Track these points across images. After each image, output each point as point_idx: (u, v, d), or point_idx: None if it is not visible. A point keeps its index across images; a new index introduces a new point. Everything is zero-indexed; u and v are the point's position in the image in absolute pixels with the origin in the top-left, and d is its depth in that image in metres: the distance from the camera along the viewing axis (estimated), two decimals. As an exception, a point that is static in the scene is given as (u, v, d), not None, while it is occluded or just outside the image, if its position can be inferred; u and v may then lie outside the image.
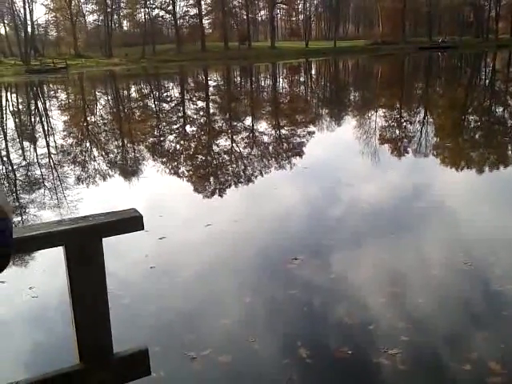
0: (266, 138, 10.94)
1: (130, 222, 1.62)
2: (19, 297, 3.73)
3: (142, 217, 1.63)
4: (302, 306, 3.40)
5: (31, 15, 53.97)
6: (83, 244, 1.57)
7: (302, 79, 30.72)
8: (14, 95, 27.48)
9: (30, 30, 53.63)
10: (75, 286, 1.59)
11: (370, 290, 3.58)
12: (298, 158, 8.81)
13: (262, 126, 12.66)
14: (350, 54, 49.09)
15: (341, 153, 9.29)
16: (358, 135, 10.97)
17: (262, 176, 7.64)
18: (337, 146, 10.20)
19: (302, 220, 5.34)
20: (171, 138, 11.98)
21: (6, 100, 25.03)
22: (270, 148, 10.01)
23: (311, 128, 11.89)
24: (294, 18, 75.28)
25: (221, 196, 6.75)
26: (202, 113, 16.53)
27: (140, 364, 1.70)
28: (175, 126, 13.79)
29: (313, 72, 37.18)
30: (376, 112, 13.97)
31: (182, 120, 14.95)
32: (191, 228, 5.08)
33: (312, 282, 3.76)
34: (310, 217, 5.44)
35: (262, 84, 28.49)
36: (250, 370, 2.77)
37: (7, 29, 55.51)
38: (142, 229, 1.65)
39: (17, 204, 6.73)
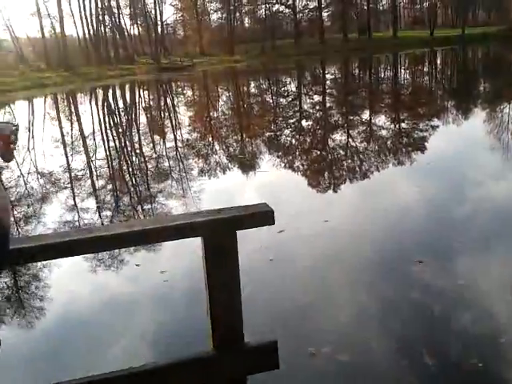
0: (384, 132, 10.58)
1: (263, 216, 1.67)
2: (151, 280, 4.08)
3: (273, 211, 1.67)
4: (425, 310, 3.23)
5: (161, 16, 57.97)
6: (220, 236, 1.65)
7: (425, 69, 29.07)
8: (145, 92, 29.84)
9: (159, 29, 57.67)
10: (211, 276, 1.68)
11: (504, 300, 3.30)
12: (419, 152, 8.40)
13: (381, 119, 12.26)
14: (480, 41, 45.25)
15: (469, 148, 8.64)
16: (488, 129, 10.13)
17: (380, 171, 7.41)
18: (464, 140, 9.51)
19: (424, 219, 5.08)
20: (287, 132, 12.13)
21: (139, 97, 27.27)
22: (389, 142, 9.67)
23: (435, 122, 11.22)
24: (417, 6, 71.43)
25: (336, 191, 6.69)
26: (318, 107, 16.48)
27: (269, 356, 1.76)
28: (292, 121, 13.93)
29: (438, 61, 34.98)
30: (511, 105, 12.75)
31: (298, 114, 15.05)
32: (309, 223, 5.11)
33: (437, 286, 3.54)
34: (434, 216, 5.14)
35: (382, 75, 27.51)
36: (368, 371, 2.71)
37: (140, 29, 60.22)
38: (273, 223, 1.67)
39: (148, 193, 7.35)
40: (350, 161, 8.45)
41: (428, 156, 8.04)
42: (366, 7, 63.00)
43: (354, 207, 5.68)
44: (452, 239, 4.41)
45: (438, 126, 10.67)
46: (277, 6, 65.30)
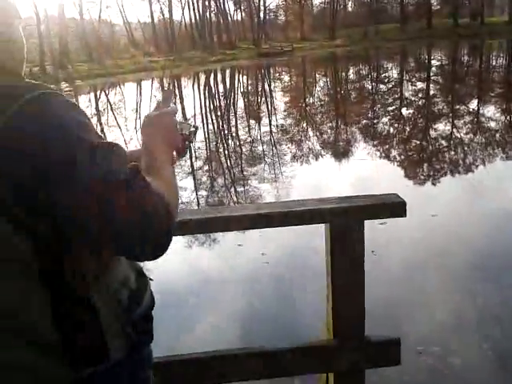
0: (493, 124, 9.87)
1: (394, 207, 1.57)
2: (254, 261, 4.18)
3: (405, 203, 1.56)
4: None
5: (264, 1, 58.35)
6: (348, 224, 1.58)
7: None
8: (245, 77, 30.43)
9: (262, 15, 58.15)
10: (336, 265, 1.62)
11: None
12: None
13: (489, 110, 11.43)
14: None
15: None
16: None
17: (486, 166, 6.97)
18: None
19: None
20: (385, 120, 11.76)
21: (238, 81, 27.90)
22: (497, 136, 9.01)
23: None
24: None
25: (436, 185, 6.41)
26: (420, 95, 15.73)
27: (392, 352, 1.69)
28: (390, 109, 13.46)
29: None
30: None
31: (398, 102, 14.50)
32: (414, 217, 4.88)
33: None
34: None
35: (493, 63, 25.46)
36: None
37: (243, 15, 61.18)
38: (405, 215, 1.56)
39: (242, 175, 7.60)
40: (453, 153, 8.03)
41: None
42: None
43: (460, 203, 5.35)
44: None
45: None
46: (383, -11, 62.74)
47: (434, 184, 6.42)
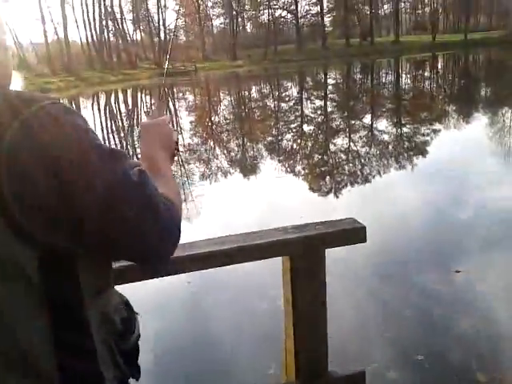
0: (386, 137, 10.61)
1: (355, 233, 1.52)
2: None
3: (365, 228, 1.51)
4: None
5: (164, 21, 58.24)
6: (309, 255, 1.50)
7: (426, 74, 29.13)
8: (148, 96, 29.97)
9: (162, 35, 57.97)
10: (297, 300, 1.54)
11: None
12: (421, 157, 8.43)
13: (382, 124, 12.30)
14: (482, 46, 45.31)
15: (473, 152, 8.66)
16: (489, 134, 10.14)
17: (380, 177, 7.44)
18: (470, 142, 9.52)
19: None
20: (288, 136, 12.17)
21: (141, 101, 27.38)
22: (390, 147, 9.70)
23: (436, 126, 11.26)
24: (419, 11, 71.63)
25: (338, 196, 6.71)
26: (319, 111, 16.53)
27: None
28: (292, 126, 13.97)
29: (439, 66, 35.04)
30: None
31: (299, 119, 15.10)
32: None
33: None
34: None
35: (383, 81, 27.58)
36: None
37: (142, 34, 60.53)
38: (365, 241, 1.52)
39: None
40: (351, 165, 8.48)
41: (431, 161, 8.04)
42: (368, 12, 63.20)
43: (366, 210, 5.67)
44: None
45: (439, 130, 10.69)
46: (279, 11, 65.62)
47: (336, 196, 6.73)
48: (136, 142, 13.23)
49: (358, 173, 7.87)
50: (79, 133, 0.75)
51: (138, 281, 1.36)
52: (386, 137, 10.70)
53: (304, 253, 1.49)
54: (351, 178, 7.57)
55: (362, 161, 8.64)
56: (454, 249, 4.43)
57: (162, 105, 1.20)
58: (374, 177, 7.42)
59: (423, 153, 8.74)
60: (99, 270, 0.86)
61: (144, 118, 1.15)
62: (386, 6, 70.01)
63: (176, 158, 1.22)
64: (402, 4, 67.42)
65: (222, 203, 6.55)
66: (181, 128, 14.86)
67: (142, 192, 0.78)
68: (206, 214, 6.09)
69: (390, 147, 9.70)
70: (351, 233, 1.52)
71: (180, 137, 12.92)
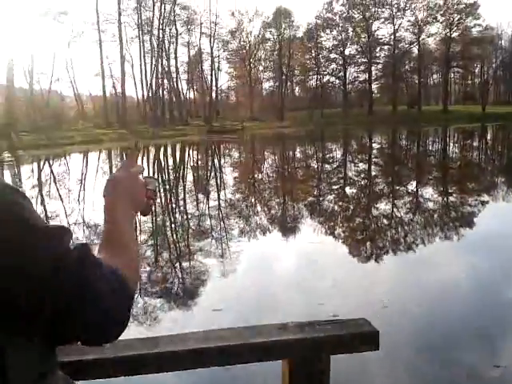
0: (431, 205, 10.34)
1: (364, 338, 1.34)
2: None
3: (377, 333, 1.33)
4: None
5: (216, 82, 60.93)
6: (310, 360, 1.33)
7: (474, 144, 28.71)
8: (195, 152, 30.88)
9: (214, 94, 60.47)
10: None
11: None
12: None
13: (427, 191, 12.04)
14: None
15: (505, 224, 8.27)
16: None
17: (424, 245, 7.17)
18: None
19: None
20: (329, 197, 12.08)
21: (188, 156, 28.22)
22: (436, 215, 9.41)
23: (484, 197, 10.91)
24: (469, 81, 71.81)
25: (381, 265, 6.48)
26: (362, 175, 16.44)
27: None
28: (335, 187, 13.91)
29: (488, 137, 34.54)
30: None
31: (341, 181, 15.04)
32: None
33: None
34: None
35: (430, 148, 27.34)
36: None
37: (195, 93, 63.35)
38: (377, 348, 1.32)
39: (187, 251, 7.39)
40: (393, 231, 8.25)
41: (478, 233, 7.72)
42: (416, 81, 63.97)
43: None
44: None
45: (487, 202, 10.33)
46: (327, 77, 67.46)
47: (375, 264, 6.49)
48: (180, 194, 13.50)
49: (400, 241, 7.63)
50: (15, 210, 0.71)
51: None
52: (430, 204, 10.43)
53: (305, 357, 1.31)
54: (392, 247, 7.33)
55: (406, 228, 8.40)
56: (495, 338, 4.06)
57: (134, 154, 1.10)
58: (417, 246, 7.16)
59: (470, 224, 8.42)
60: (40, 354, 0.77)
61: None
62: (435, 76, 70.71)
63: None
64: (452, 74, 67.93)
65: (247, 265, 6.47)
66: (224, 183, 15.09)
67: (79, 273, 0.72)
68: (227, 275, 6.02)
69: (436, 216, 9.42)
70: (361, 339, 1.32)
71: (202, 191, 13.09)
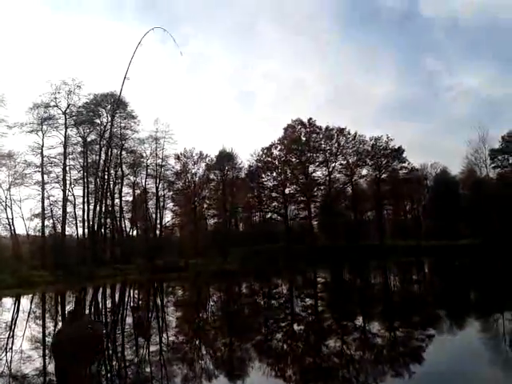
0: (378, 340, 10.19)
1: None
2: None
3: None
4: None
5: (161, 220, 61.22)
6: None
7: (414, 277, 29.68)
8: (136, 291, 29.68)
9: (158, 232, 60.34)
10: None
11: None
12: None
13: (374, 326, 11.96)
14: (458, 253, 47.27)
15: (461, 359, 8.23)
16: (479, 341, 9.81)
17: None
18: (458, 351, 9.12)
19: None
20: (279, 336, 11.67)
21: (129, 296, 27.00)
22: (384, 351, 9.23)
23: (430, 331, 10.95)
24: (402, 217, 76.64)
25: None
26: (309, 310, 16.24)
27: None
28: (283, 324, 13.54)
29: (426, 270, 35.97)
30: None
31: (289, 317, 14.72)
32: None
33: None
34: None
35: (372, 281, 27.91)
36: None
37: (139, 231, 62.91)
38: None
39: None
40: (345, 370, 7.92)
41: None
42: (353, 217, 67.54)
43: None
44: None
45: (433, 336, 10.34)
46: (270, 214, 69.98)
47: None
48: (118, 334, 12.57)
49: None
50: None
51: None
52: (378, 340, 10.29)
53: None
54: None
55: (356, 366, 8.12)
56: None
57: (79, 308, 1.09)
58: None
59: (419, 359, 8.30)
60: None
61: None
62: (369, 213, 75.01)
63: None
64: (385, 211, 72.50)
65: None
66: (166, 324, 14.33)
67: None
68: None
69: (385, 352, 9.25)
70: None
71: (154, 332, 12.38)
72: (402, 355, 8.93)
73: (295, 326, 13.17)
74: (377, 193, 65.92)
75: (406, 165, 65.90)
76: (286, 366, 8.59)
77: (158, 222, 60.62)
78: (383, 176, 66.42)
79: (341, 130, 65.68)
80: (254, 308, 17.76)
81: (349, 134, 65.75)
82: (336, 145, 65.98)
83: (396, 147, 65.24)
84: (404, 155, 65.75)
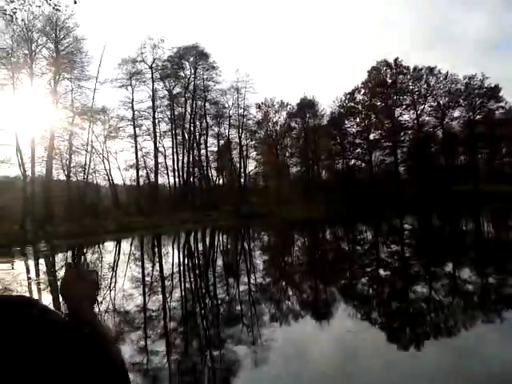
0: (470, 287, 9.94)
1: None
2: None
3: None
4: None
5: (245, 168, 62.59)
6: None
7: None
8: (225, 236, 31.07)
9: (242, 180, 61.86)
10: None
11: None
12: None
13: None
14: None
15: None
16: None
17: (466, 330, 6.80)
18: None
19: None
20: (364, 280, 11.77)
21: (218, 240, 28.37)
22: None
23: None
24: (497, 161, 71.50)
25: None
26: (395, 256, 16.08)
27: None
28: (368, 269, 13.59)
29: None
30: None
31: (375, 263, 14.72)
32: None
33: None
34: None
35: (464, 228, 26.77)
36: None
37: (224, 180, 64.91)
38: None
39: (217, 340, 7.20)
40: (434, 315, 7.87)
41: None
42: (444, 162, 64.20)
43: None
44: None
45: None
46: (353, 161, 68.54)
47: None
48: (210, 279, 13.40)
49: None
50: None
51: None
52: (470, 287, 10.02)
53: None
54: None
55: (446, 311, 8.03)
56: None
57: (81, 253, 1.34)
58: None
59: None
60: None
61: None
62: (462, 157, 70.82)
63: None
64: (480, 155, 67.99)
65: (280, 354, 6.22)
66: (254, 268, 14.97)
67: None
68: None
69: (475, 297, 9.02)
70: None
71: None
72: (494, 302, 8.66)
73: (381, 271, 13.17)
74: (471, 135, 61.60)
75: (503, 104, 60.58)
76: (372, 310, 8.71)
77: (242, 170, 61.96)
78: (478, 117, 61.71)
79: (431, 70, 61.35)
80: (338, 253, 17.92)
81: (439, 73, 61.25)
82: (425, 86, 61.94)
83: (492, 85, 59.91)
84: (501, 94, 60.31)
